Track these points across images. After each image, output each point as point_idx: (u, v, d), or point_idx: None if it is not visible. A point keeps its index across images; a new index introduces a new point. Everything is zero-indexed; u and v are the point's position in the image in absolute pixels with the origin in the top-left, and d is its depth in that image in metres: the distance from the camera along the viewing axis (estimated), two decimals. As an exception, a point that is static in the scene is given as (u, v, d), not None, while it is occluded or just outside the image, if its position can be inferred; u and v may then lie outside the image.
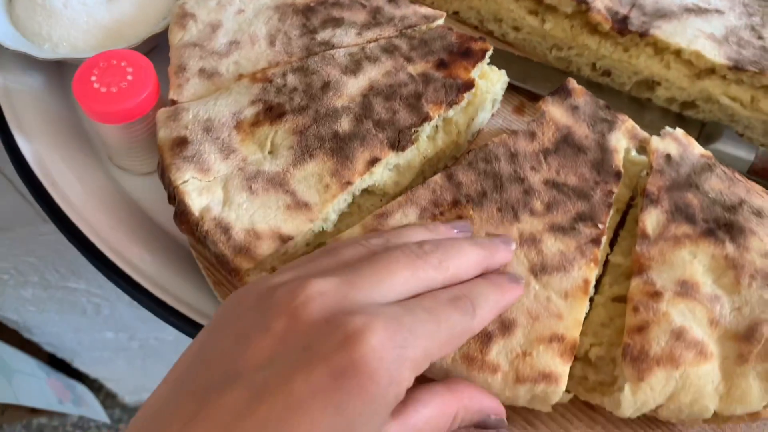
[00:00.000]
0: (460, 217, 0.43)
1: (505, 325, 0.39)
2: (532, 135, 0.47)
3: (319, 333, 0.29)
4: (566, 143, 0.46)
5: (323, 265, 0.34)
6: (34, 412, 1.34)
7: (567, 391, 0.41)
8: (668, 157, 0.45)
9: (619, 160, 0.46)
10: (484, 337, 0.38)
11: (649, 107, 0.55)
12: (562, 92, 0.49)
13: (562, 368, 0.38)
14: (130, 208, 0.56)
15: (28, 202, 0.89)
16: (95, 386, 1.49)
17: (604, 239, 0.43)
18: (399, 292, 0.32)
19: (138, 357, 1.38)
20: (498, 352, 0.38)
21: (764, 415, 0.38)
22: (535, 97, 0.56)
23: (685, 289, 0.40)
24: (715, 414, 0.38)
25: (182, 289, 0.51)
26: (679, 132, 0.47)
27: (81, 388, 1.37)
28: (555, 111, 0.48)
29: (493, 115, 0.57)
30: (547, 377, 0.37)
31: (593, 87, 0.57)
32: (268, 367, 0.28)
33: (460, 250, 0.37)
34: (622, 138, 0.47)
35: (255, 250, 0.42)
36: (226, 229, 0.42)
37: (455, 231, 0.41)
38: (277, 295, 0.31)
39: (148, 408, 0.30)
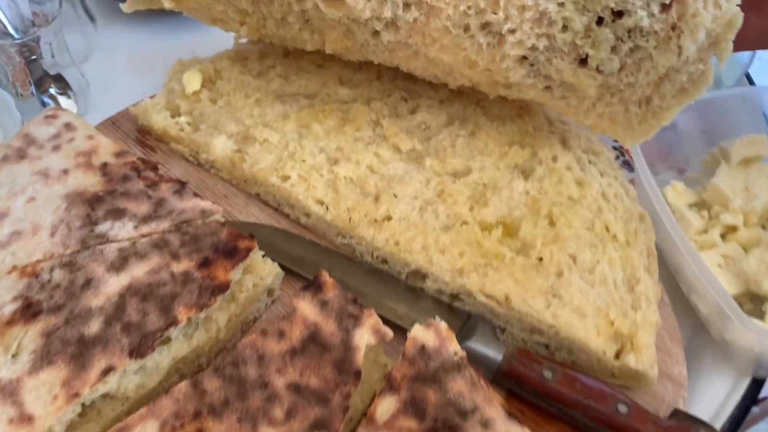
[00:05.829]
0: (199, 431, 0.43)
1: None
2: (281, 334, 0.48)
3: None
4: (313, 342, 0.47)
5: None
6: None
7: None
8: (423, 348, 0.47)
9: (360, 358, 0.47)
10: None
11: (423, 296, 0.57)
12: (313, 286, 0.50)
13: None
14: None
15: None
16: None
17: None
18: None
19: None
20: None
21: None
22: (322, 281, 0.58)
23: None
24: None
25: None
26: (443, 326, 0.48)
27: None
28: (305, 306, 0.49)
29: (274, 301, 0.58)
30: None
31: (375, 273, 0.59)
32: None
33: None
34: (366, 334, 0.48)
35: (-39, 472, 0.41)
36: (-62, 450, 0.42)
37: None
38: None
39: None
